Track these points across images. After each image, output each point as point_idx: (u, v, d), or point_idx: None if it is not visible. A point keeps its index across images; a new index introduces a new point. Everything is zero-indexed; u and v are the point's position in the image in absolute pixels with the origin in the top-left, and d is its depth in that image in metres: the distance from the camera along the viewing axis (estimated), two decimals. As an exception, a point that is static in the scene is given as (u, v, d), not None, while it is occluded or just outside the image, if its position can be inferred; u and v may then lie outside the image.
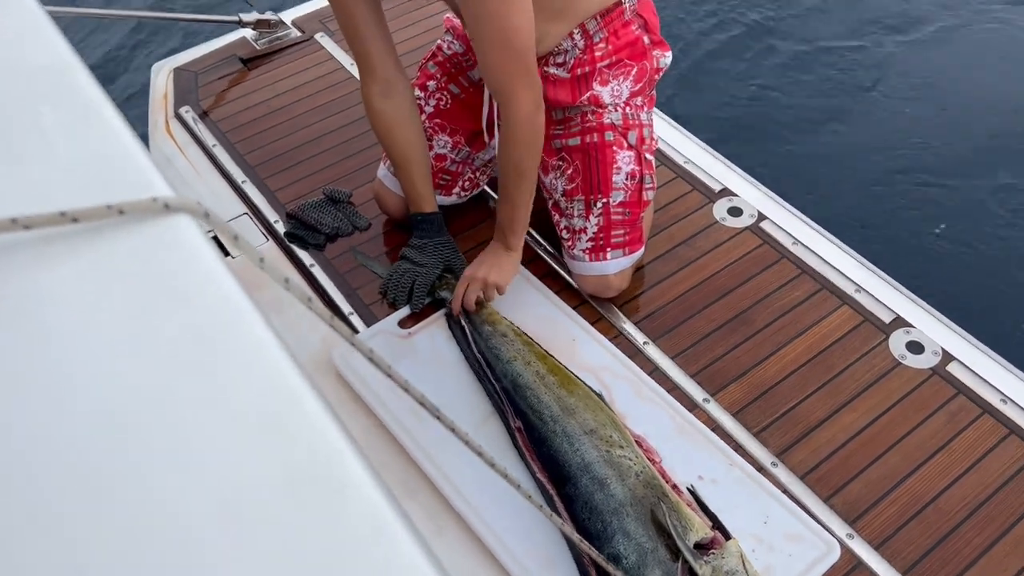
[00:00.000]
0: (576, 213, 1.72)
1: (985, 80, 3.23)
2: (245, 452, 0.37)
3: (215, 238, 1.87)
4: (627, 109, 1.69)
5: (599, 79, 1.66)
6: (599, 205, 1.69)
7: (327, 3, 1.73)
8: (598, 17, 1.61)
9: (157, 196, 0.43)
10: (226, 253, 1.87)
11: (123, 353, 0.40)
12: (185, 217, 0.44)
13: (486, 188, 1.98)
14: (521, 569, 1.35)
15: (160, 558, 0.35)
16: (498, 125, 1.78)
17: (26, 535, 0.35)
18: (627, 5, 1.63)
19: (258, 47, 2.38)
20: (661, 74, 1.75)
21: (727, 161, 2.05)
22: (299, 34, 2.43)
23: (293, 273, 1.82)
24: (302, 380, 0.40)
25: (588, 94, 1.66)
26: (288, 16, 2.47)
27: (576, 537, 0.81)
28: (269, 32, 2.40)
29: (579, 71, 1.65)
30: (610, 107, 1.67)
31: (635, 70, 1.67)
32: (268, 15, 2.40)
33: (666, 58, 1.74)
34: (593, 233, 1.71)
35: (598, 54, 1.64)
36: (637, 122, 1.70)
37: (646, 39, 1.68)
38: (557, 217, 1.77)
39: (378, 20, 1.60)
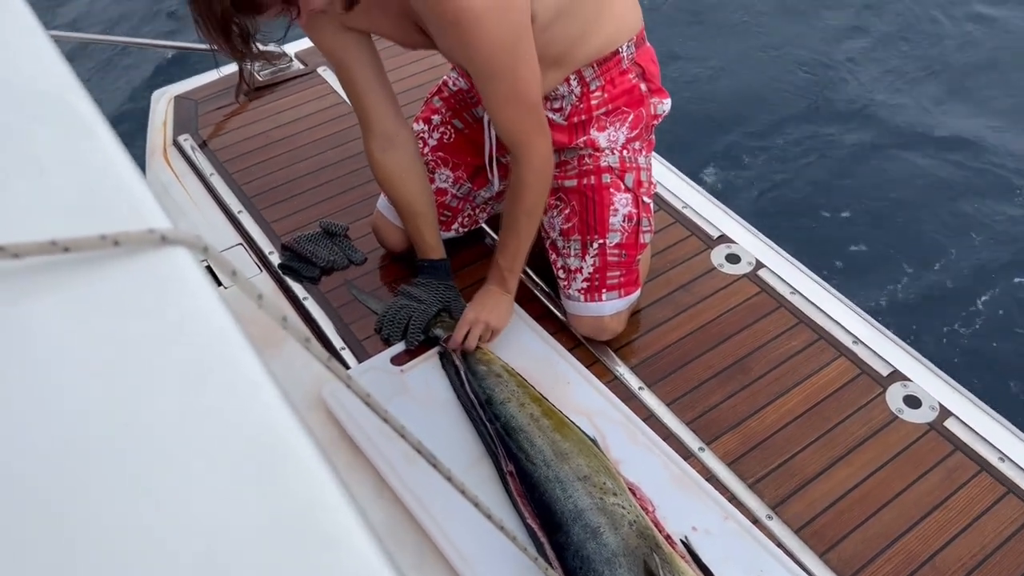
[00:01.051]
0: (572, 253, 1.71)
1: (980, 117, 3.26)
2: (231, 496, 0.35)
3: (208, 267, 1.86)
4: (624, 152, 1.69)
5: (596, 125, 1.67)
6: (595, 246, 1.68)
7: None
8: (595, 65, 1.62)
9: (154, 228, 0.42)
10: (219, 283, 1.84)
11: (110, 387, 0.38)
12: (182, 250, 0.42)
13: (484, 226, 1.97)
14: (508, 619, 1.31)
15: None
16: (499, 162, 1.78)
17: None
18: (624, 54, 1.63)
19: (260, 78, 2.38)
20: (659, 120, 1.75)
21: (726, 208, 2.05)
22: (301, 67, 2.44)
23: (291, 311, 1.79)
24: (296, 423, 0.38)
25: (584, 138, 1.66)
26: (292, 49, 2.48)
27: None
28: (272, 64, 2.41)
29: (576, 119, 1.66)
30: (607, 151, 1.67)
31: (631, 117, 1.68)
32: (271, 47, 2.41)
33: (664, 105, 1.74)
34: (588, 273, 1.70)
35: (594, 102, 1.64)
36: (635, 165, 1.70)
37: (643, 87, 1.69)
38: (554, 256, 1.76)
39: (376, 74, 1.61)
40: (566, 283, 1.74)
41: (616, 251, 1.69)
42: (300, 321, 1.78)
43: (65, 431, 0.37)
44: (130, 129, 2.92)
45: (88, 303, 0.40)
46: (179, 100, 2.31)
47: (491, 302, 1.67)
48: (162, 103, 2.30)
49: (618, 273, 1.70)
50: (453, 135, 1.82)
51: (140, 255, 0.41)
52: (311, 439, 0.38)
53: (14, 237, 0.40)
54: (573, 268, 1.72)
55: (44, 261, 0.40)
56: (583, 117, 1.66)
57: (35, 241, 0.39)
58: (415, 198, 1.72)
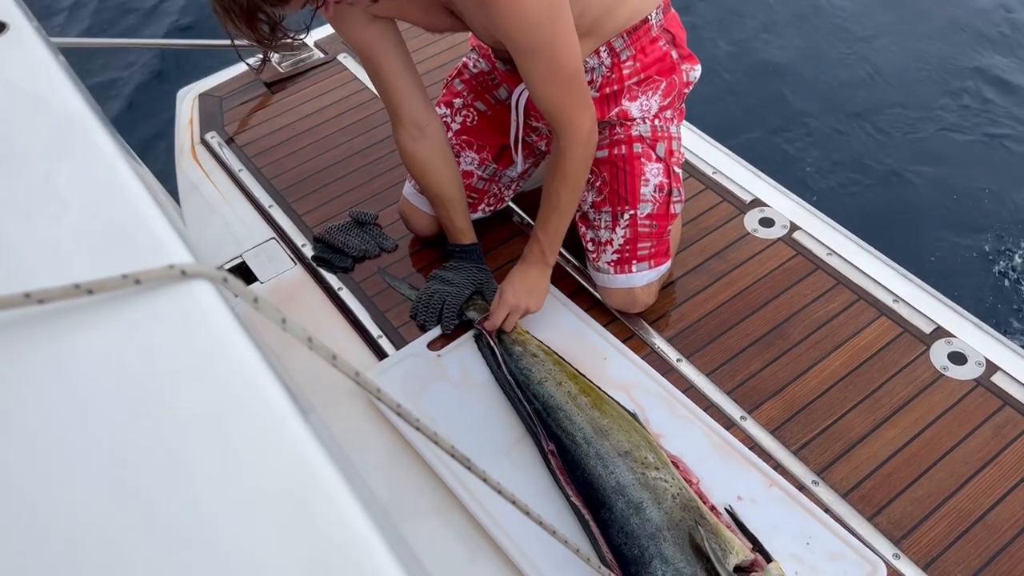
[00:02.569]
0: (603, 225, 1.70)
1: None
2: (261, 535, 0.36)
3: (241, 266, 1.88)
4: (656, 122, 1.66)
5: (628, 95, 1.64)
6: (626, 217, 1.67)
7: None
8: (625, 35, 1.59)
9: (174, 263, 0.42)
10: (251, 279, 1.87)
11: (139, 427, 0.39)
12: (203, 283, 0.42)
13: (511, 204, 1.97)
14: (558, 597, 1.33)
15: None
16: (524, 142, 1.76)
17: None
18: (654, 22, 1.61)
19: (281, 70, 2.39)
20: (691, 87, 1.73)
21: (757, 170, 2.02)
22: (322, 55, 2.44)
23: (320, 309, 1.80)
24: (325, 458, 0.38)
25: (617, 110, 1.64)
26: (311, 38, 2.48)
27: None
28: (292, 54, 2.41)
29: (608, 90, 1.64)
30: (639, 120, 1.65)
31: (664, 85, 1.65)
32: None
33: (695, 71, 1.71)
34: (619, 245, 1.69)
35: (626, 71, 1.62)
36: (666, 134, 1.67)
37: (674, 54, 1.66)
38: (584, 229, 1.75)
39: (404, 64, 1.60)
40: (595, 255, 1.73)
41: (647, 222, 1.67)
42: (331, 315, 1.79)
43: (96, 474, 0.37)
44: (156, 130, 2.96)
45: (114, 344, 0.40)
46: (203, 98, 2.33)
47: (530, 283, 1.65)
48: (187, 102, 2.32)
49: (649, 244, 1.69)
50: (476, 118, 1.81)
51: (162, 291, 0.42)
52: (341, 469, 0.38)
53: (39, 279, 0.41)
54: (603, 240, 1.71)
55: (68, 305, 0.41)
56: (615, 88, 1.63)
57: (59, 286, 0.40)
58: (446, 186, 1.72)
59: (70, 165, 0.49)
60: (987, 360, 1.61)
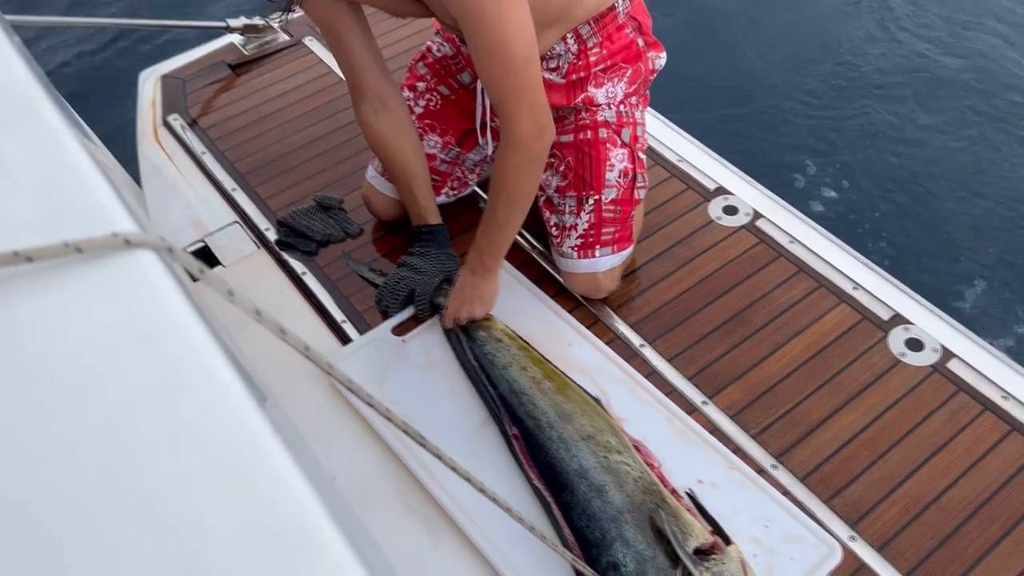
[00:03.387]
0: (567, 210, 1.70)
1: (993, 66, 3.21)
2: (205, 501, 0.36)
3: (203, 250, 1.85)
4: (621, 107, 1.67)
5: (594, 82, 1.65)
6: (591, 202, 1.67)
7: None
8: (591, 22, 1.59)
9: (117, 232, 0.41)
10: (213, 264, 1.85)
11: (81, 396, 0.38)
12: (147, 253, 0.42)
13: (477, 189, 1.96)
14: (520, 580, 1.34)
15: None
16: (492, 129, 1.76)
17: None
18: (620, 9, 1.61)
19: (246, 52, 2.36)
20: (656, 75, 1.73)
21: (721, 159, 2.03)
22: (287, 38, 2.41)
23: (284, 293, 1.78)
24: (269, 427, 0.38)
25: (583, 96, 1.65)
26: (276, 20, 2.44)
27: (570, 556, 0.79)
28: (257, 37, 2.38)
29: (574, 76, 1.64)
30: (604, 106, 1.66)
31: (629, 72, 1.66)
32: (256, 20, 2.38)
33: (661, 59, 1.72)
34: (583, 230, 1.69)
35: (592, 59, 1.62)
36: (631, 120, 1.68)
37: (640, 41, 1.67)
38: (548, 214, 1.75)
39: (367, 40, 1.59)
40: (559, 240, 1.73)
41: (612, 207, 1.68)
42: (294, 300, 1.78)
43: (36, 443, 0.37)
44: (117, 111, 2.90)
45: (55, 313, 0.40)
46: (166, 79, 2.29)
47: (470, 291, 1.62)
48: (149, 84, 2.28)
49: (613, 229, 1.70)
50: (439, 102, 1.80)
51: (105, 260, 0.41)
52: (284, 440, 0.38)
53: (-21, 248, 0.40)
54: (568, 225, 1.71)
55: (9, 272, 0.40)
56: (581, 75, 1.63)
57: (-2, 253, 0.39)
58: (409, 161, 1.70)
59: (14, 136, 0.48)
60: (943, 347, 1.64)
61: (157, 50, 3.29)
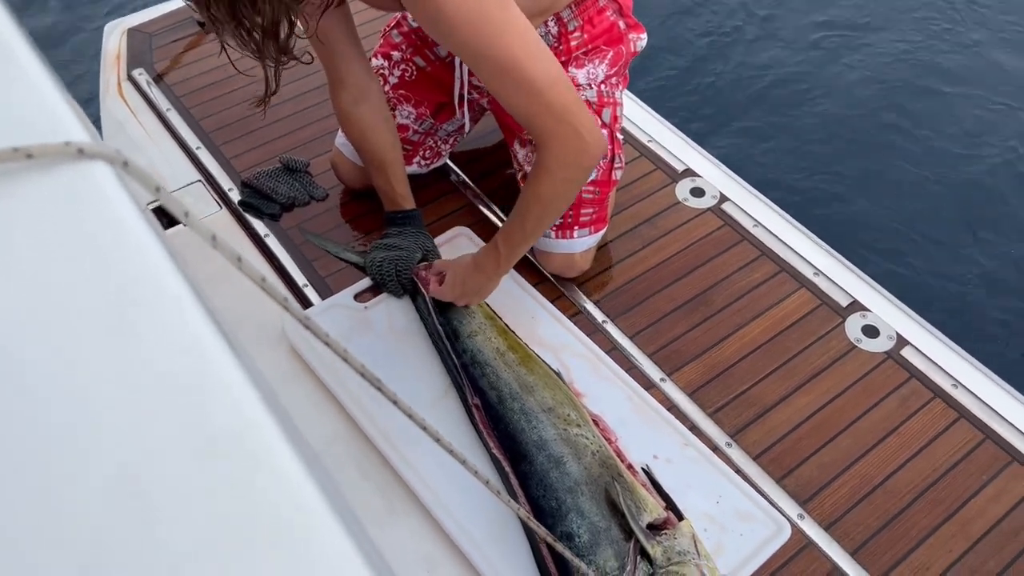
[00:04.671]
0: None
1: (956, 56, 3.26)
2: (152, 419, 0.35)
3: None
4: (602, 87, 1.66)
5: (575, 63, 1.63)
6: None
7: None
8: (572, 6, 1.58)
9: (71, 140, 0.40)
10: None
11: (25, 307, 0.37)
12: (102, 164, 0.40)
13: (449, 162, 1.95)
14: (474, 547, 1.34)
15: (54, 527, 0.32)
16: (469, 102, 1.74)
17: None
18: None
19: (216, 10, 2.30)
20: (636, 56, 1.73)
21: (691, 141, 2.04)
22: (259, -2, 2.36)
23: (245, 254, 1.76)
24: (222, 342, 0.37)
25: None
26: (248, -21, 2.39)
27: (532, 522, 0.80)
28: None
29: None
30: (585, 86, 1.65)
31: (611, 54, 1.65)
32: None
33: (642, 40, 1.71)
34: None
35: (574, 43, 1.61)
36: (611, 100, 1.67)
37: (622, 24, 1.65)
38: None
39: (349, 31, 1.56)
40: None
41: (591, 188, 1.67)
42: (256, 261, 1.76)
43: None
44: (80, 63, 2.83)
45: (2, 217, 0.38)
46: (132, 33, 2.24)
47: (472, 285, 1.56)
48: (114, 36, 2.23)
49: (591, 211, 1.69)
50: (415, 73, 1.78)
51: (56, 169, 0.40)
52: (237, 356, 0.37)
53: (-76, 152, 0.38)
54: None
55: (-48, 175, 0.38)
56: (563, 58, 1.61)
57: (-59, 154, 0.37)
58: (386, 150, 1.67)
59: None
60: (898, 334, 1.67)
61: (124, 2, 3.21)
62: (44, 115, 0.43)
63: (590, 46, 1.63)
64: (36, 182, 0.39)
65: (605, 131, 1.65)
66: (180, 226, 1.81)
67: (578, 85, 1.64)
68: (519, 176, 1.75)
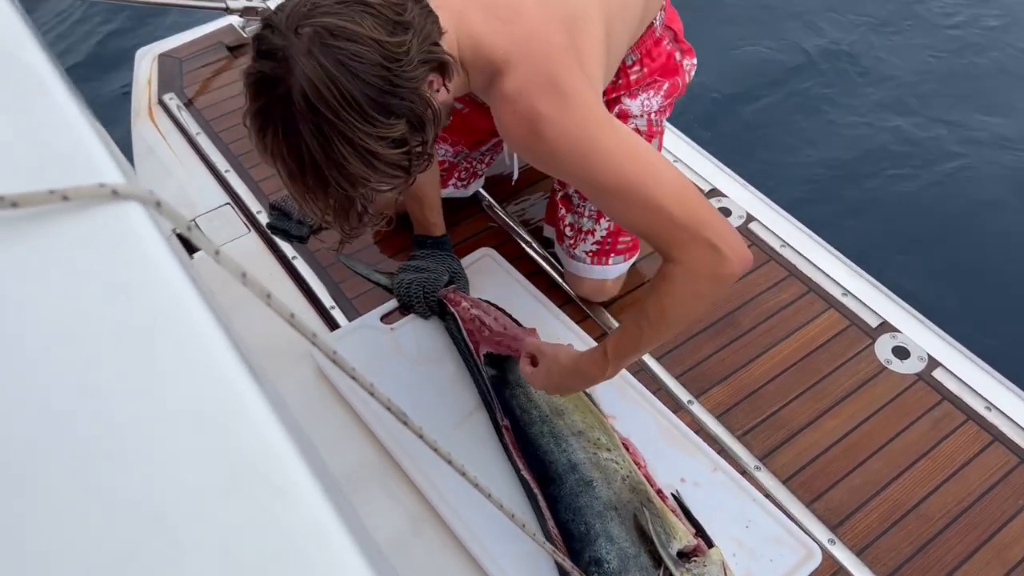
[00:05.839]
0: (587, 214, 1.66)
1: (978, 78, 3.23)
2: (181, 451, 0.35)
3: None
4: (652, 116, 1.64)
5: (629, 94, 1.60)
6: None
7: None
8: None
9: (105, 182, 0.41)
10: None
11: (60, 344, 0.38)
12: (135, 205, 0.41)
13: (481, 191, 1.94)
14: (500, 572, 1.33)
15: (87, 554, 0.33)
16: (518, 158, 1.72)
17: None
18: (657, 23, 1.55)
19: (245, 34, 2.34)
20: (687, 86, 1.69)
21: (717, 161, 2.03)
22: (287, 23, 2.40)
23: (274, 277, 1.77)
24: (248, 377, 0.38)
25: (617, 108, 1.60)
26: (275, 3, 2.43)
27: (558, 555, 0.79)
28: (256, 19, 2.36)
29: (612, 95, 1.59)
30: (637, 116, 1.62)
31: (667, 85, 1.62)
32: (255, 2, 2.36)
33: (693, 65, 1.68)
34: (601, 237, 1.67)
35: (633, 77, 1.57)
36: (659, 129, 1.66)
37: (677, 54, 1.62)
38: (564, 212, 1.70)
39: None
40: (573, 242, 1.70)
41: None
42: (283, 283, 1.77)
43: (16, 392, 0.36)
44: (113, 89, 2.89)
45: (38, 260, 0.39)
46: (163, 58, 2.28)
47: (572, 384, 1.40)
48: (146, 62, 2.27)
49: (629, 239, 1.68)
50: (451, 116, 1.76)
51: (91, 210, 0.41)
52: (263, 391, 0.37)
53: (-36, 194, 0.39)
54: (585, 229, 1.68)
55: (-8, 217, 0.39)
56: (620, 93, 1.59)
57: (-18, 197, 0.38)
58: (427, 186, 1.66)
59: (3, 83, 0.48)
60: (929, 356, 1.64)
61: (155, 28, 3.27)
62: (80, 154, 0.44)
63: (648, 80, 1.59)
64: (72, 224, 0.40)
65: None
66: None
67: (631, 116, 1.61)
68: (559, 196, 1.71)
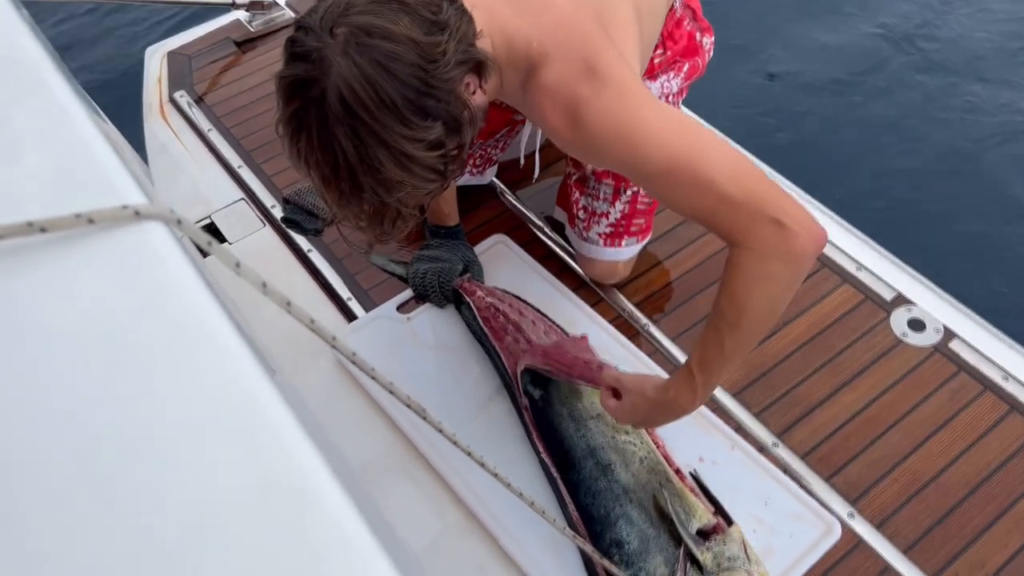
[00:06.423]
0: (602, 196, 1.66)
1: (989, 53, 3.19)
2: (211, 462, 0.37)
3: (209, 227, 1.86)
4: (670, 98, 1.64)
5: (650, 77, 1.59)
6: (628, 193, 1.64)
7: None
8: None
9: (127, 204, 0.42)
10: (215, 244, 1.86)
11: (92, 362, 0.39)
12: (156, 224, 0.43)
13: (495, 180, 1.94)
14: (527, 557, 1.35)
15: (126, 565, 0.35)
16: (540, 150, 1.73)
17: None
18: (677, 4, 1.54)
19: (252, 29, 2.36)
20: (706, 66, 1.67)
21: (726, 138, 2.02)
22: (293, 15, 2.41)
23: (290, 271, 1.79)
24: (272, 390, 0.39)
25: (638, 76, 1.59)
26: (281, -2, 2.44)
27: (588, 547, 0.81)
28: (262, 13, 2.38)
29: None
30: (657, 97, 1.61)
31: (687, 66, 1.61)
32: (266, -4, 2.38)
33: (712, 43, 1.66)
34: (615, 220, 1.67)
35: (656, 62, 1.56)
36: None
37: (698, 35, 1.60)
38: (577, 194, 1.70)
39: None
40: (586, 224, 1.70)
41: (646, 199, 1.65)
42: (299, 277, 1.79)
43: (48, 409, 0.38)
44: (121, 87, 2.91)
45: (67, 282, 0.41)
46: (172, 56, 2.29)
47: (663, 418, 1.28)
48: (155, 60, 2.29)
49: (642, 220, 1.69)
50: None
51: (115, 232, 0.42)
52: (287, 402, 0.39)
53: (-7, 219, 0.41)
54: (599, 212, 1.68)
55: (21, 243, 0.41)
56: (642, 76, 1.55)
57: (12, 223, 0.40)
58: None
59: (25, 109, 0.49)
60: (945, 327, 1.64)
61: (163, 25, 3.29)
62: (101, 177, 0.46)
63: (670, 61, 1.58)
64: (98, 246, 0.42)
65: None
66: (226, 244, 1.86)
67: None
68: (573, 179, 1.71)
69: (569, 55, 1.15)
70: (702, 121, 2.05)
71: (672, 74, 1.60)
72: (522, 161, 1.80)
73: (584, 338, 1.55)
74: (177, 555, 0.35)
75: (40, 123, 0.49)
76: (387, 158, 1.00)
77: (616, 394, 1.32)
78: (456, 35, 1.03)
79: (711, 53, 1.66)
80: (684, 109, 2.07)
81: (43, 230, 0.41)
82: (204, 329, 0.41)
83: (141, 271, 0.42)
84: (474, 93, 1.10)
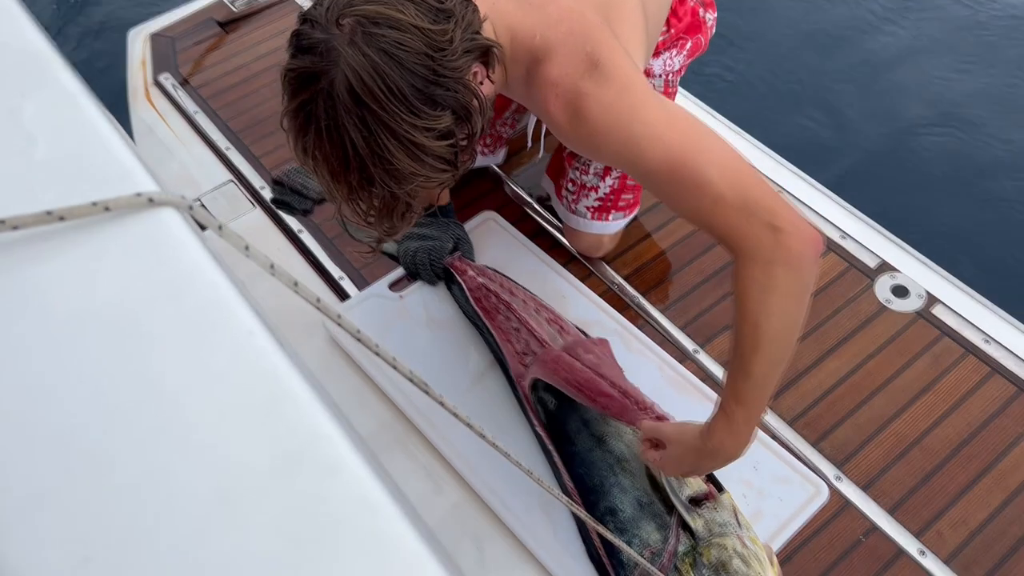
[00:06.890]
0: (592, 171, 1.68)
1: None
2: (236, 436, 0.39)
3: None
4: (670, 77, 1.64)
5: (653, 55, 1.59)
6: (618, 169, 1.66)
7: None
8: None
9: (141, 191, 0.44)
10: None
11: (115, 346, 0.41)
12: (170, 210, 0.44)
13: (495, 167, 1.95)
14: (521, 525, 1.39)
15: (160, 536, 0.37)
16: (545, 133, 1.73)
17: (27, 514, 0.37)
18: None
19: (235, 9, 2.34)
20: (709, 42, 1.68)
21: (712, 111, 2.05)
22: (276, -6, 2.40)
23: (281, 251, 1.80)
24: (290, 366, 0.41)
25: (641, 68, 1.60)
26: (263, -25, 2.43)
27: (582, 512, 0.83)
28: (245, -7, 2.36)
29: None
30: (658, 75, 1.62)
31: (689, 44, 1.61)
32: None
33: (715, 19, 1.66)
34: (604, 194, 1.69)
35: (661, 38, 1.57)
36: (674, 89, 1.67)
37: (700, 10, 1.60)
38: (568, 168, 1.71)
39: None
40: (575, 197, 1.72)
41: None
42: (291, 257, 1.80)
43: (74, 391, 0.40)
44: (104, 70, 2.89)
45: (87, 268, 0.43)
46: (155, 38, 2.28)
47: (712, 464, 1.21)
48: (138, 42, 2.27)
49: (630, 196, 1.70)
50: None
51: (131, 219, 0.44)
52: (304, 377, 0.41)
53: (11, 209, 0.42)
54: (589, 186, 1.69)
55: (41, 231, 0.43)
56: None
57: (32, 213, 0.42)
58: None
59: (35, 101, 0.50)
60: (928, 293, 1.68)
61: (145, 6, 3.25)
62: (114, 166, 0.47)
63: (673, 40, 1.59)
64: (115, 232, 0.44)
65: None
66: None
67: (652, 76, 1.61)
68: (566, 153, 1.72)
69: (572, 48, 1.15)
70: (709, 110, 2.07)
71: (675, 52, 1.59)
72: (529, 143, 1.81)
73: (605, 343, 1.54)
74: (210, 522, 0.37)
75: (50, 113, 0.50)
76: (397, 148, 0.99)
77: (655, 443, 1.29)
78: (462, 23, 1.03)
79: (714, 29, 1.66)
80: (682, 91, 2.09)
81: (62, 218, 0.43)
82: (222, 309, 0.43)
83: (158, 256, 0.44)
84: (481, 83, 1.09)
